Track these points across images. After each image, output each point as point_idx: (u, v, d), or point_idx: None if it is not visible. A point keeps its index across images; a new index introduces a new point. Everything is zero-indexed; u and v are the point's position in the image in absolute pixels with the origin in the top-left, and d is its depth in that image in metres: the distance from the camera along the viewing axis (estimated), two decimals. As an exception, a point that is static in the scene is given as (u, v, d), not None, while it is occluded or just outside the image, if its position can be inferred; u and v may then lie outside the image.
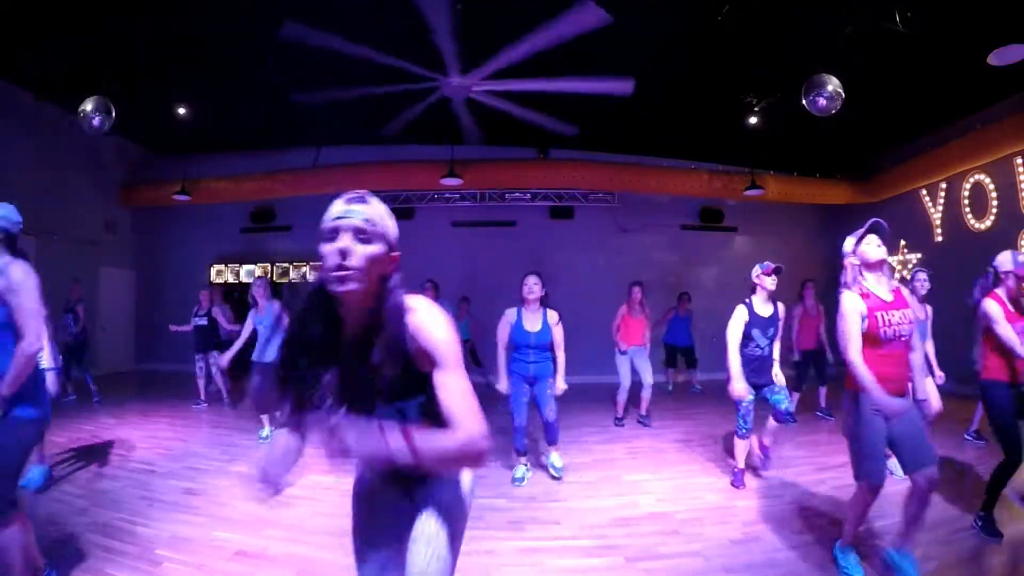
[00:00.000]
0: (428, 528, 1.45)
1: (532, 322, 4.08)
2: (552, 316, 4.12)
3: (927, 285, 4.52)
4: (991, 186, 7.61)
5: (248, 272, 10.42)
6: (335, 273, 1.27)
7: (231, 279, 10.40)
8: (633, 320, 6.28)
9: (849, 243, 2.68)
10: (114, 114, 5.95)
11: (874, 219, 2.57)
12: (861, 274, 2.61)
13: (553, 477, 4.27)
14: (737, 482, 4.06)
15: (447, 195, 9.99)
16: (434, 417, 1.34)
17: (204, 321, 7.07)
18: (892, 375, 2.52)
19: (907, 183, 8.76)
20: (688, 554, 2.94)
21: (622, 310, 6.34)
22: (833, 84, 5.15)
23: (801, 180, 9.56)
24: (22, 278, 2.19)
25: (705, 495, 3.91)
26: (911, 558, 2.57)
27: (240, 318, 6.13)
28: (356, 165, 9.22)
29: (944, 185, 8.41)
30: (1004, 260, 3.16)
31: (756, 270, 4.05)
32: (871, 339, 2.51)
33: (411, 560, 1.43)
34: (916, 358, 2.69)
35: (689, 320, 8.59)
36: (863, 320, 2.51)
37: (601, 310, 7.57)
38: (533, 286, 4.06)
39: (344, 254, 1.27)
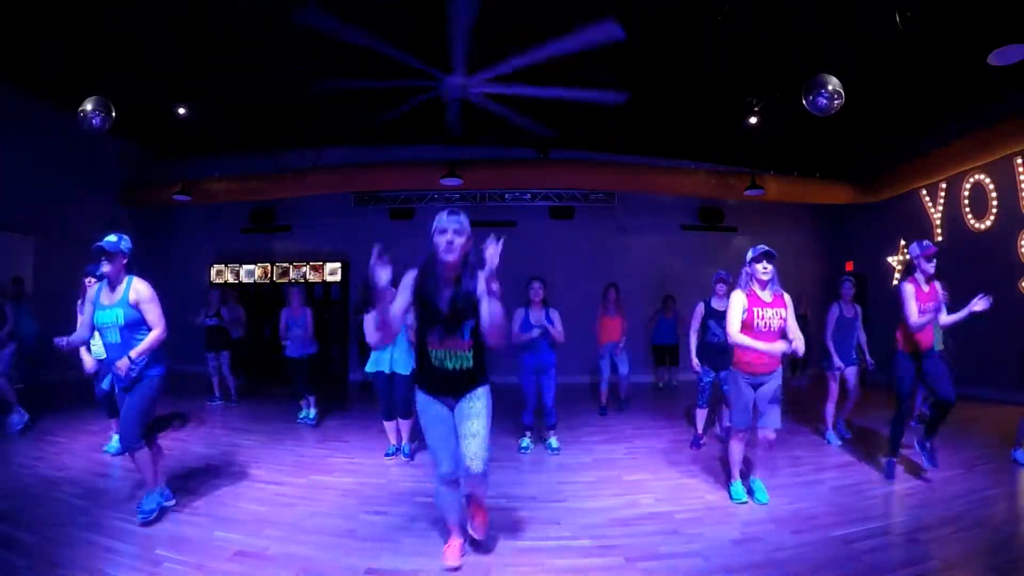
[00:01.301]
0: (472, 427, 2.58)
1: (537, 319, 4.97)
2: (553, 313, 5.03)
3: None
4: (991, 186, 7.61)
5: (248, 272, 10.42)
6: (445, 250, 2.51)
7: (231, 279, 10.40)
8: (609, 319, 6.83)
9: (749, 255, 3.71)
10: (114, 114, 5.95)
11: (766, 248, 3.62)
12: (752, 280, 3.67)
13: (552, 450, 5.06)
14: (694, 445, 5.18)
15: (447, 195, 9.99)
16: (478, 335, 2.57)
17: (215, 321, 7.15)
18: (761, 357, 3.55)
19: (907, 183, 8.76)
20: (688, 554, 2.93)
21: (599, 311, 6.93)
22: (833, 84, 5.15)
23: (801, 180, 9.56)
24: (146, 290, 3.31)
25: (705, 495, 3.91)
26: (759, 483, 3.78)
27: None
28: (356, 165, 9.22)
29: (944, 185, 8.41)
30: (912, 249, 4.06)
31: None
32: (747, 326, 3.55)
33: (467, 448, 2.56)
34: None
35: (675, 322, 8.88)
36: (744, 311, 3.57)
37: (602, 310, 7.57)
38: (538, 289, 4.96)
39: (451, 241, 2.51)
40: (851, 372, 5.33)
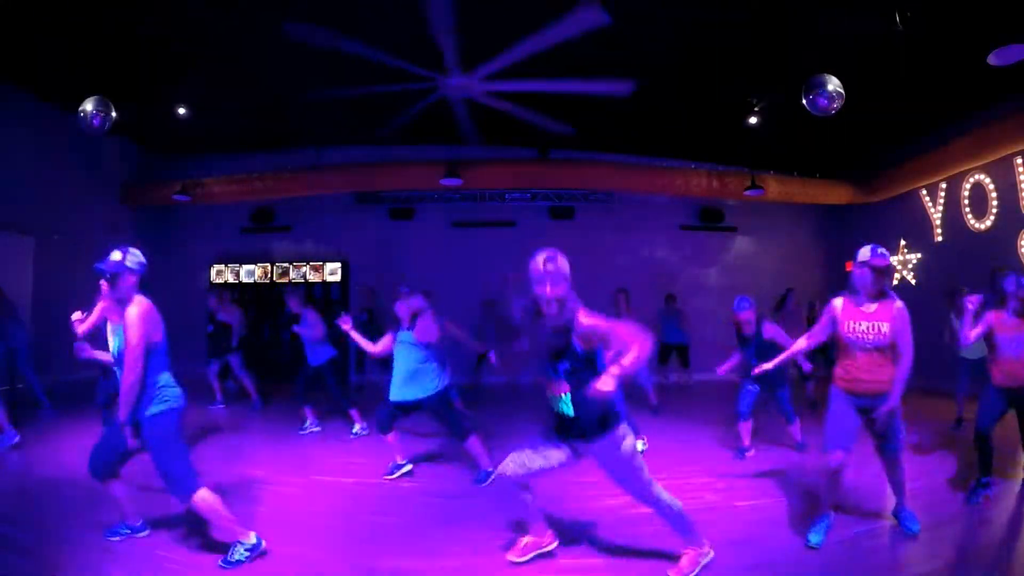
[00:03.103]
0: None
1: None
2: None
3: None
4: (991, 186, 7.60)
5: (248, 272, 10.41)
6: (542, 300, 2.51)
7: (231, 279, 10.39)
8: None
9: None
10: (114, 114, 5.95)
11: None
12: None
13: None
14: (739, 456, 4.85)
15: (447, 195, 9.99)
16: (575, 376, 2.52)
17: (211, 327, 7.10)
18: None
19: (907, 183, 8.75)
20: (688, 554, 2.93)
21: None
22: (833, 84, 5.14)
23: (801, 180, 9.55)
24: (130, 313, 2.76)
25: (705, 495, 3.91)
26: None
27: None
28: (356, 165, 9.22)
29: (944, 185, 8.41)
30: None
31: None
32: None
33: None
34: None
35: (678, 318, 8.75)
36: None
37: (602, 310, 7.57)
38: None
39: (543, 292, 2.49)
40: None
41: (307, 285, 10.19)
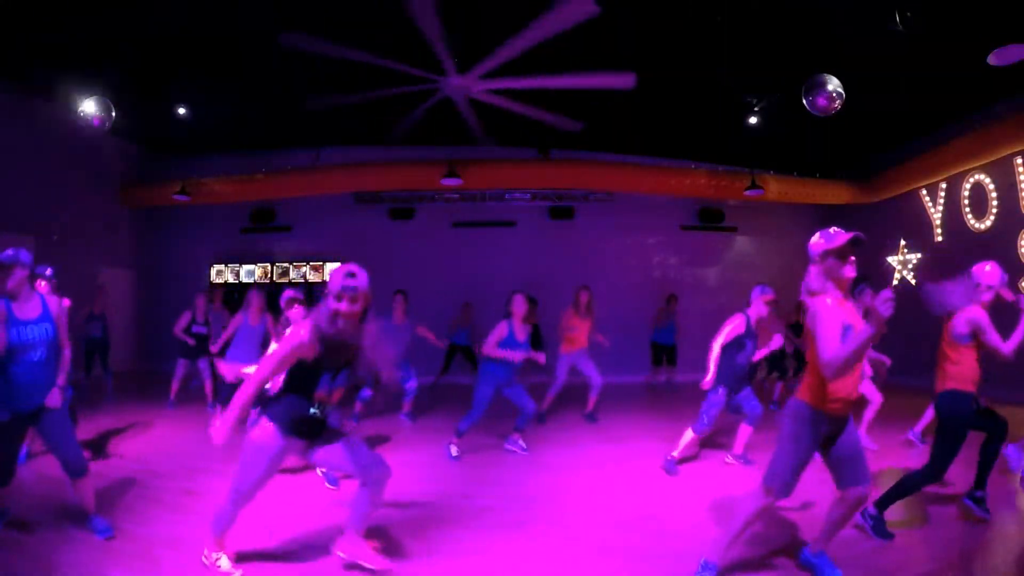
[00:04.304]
0: None
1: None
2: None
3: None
4: (991, 186, 7.60)
5: (248, 272, 10.42)
6: None
7: (231, 279, 10.39)
8: (579, 322, 6.42)
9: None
10: (114, 114, 5.95)
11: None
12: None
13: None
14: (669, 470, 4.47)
15: (447, 195, 9.99)
16: None
17: (203, 329, 6.94)
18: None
19: (907, 183, 8.75)
20: (688, 554, 2.93)
21: (568, 312, 6.49)
22: (833, 84, 5.14)
23: (801, 180, 9.55)
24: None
25: (705, 495, 3.91)
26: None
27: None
28: (356, 165, 9.22)
29: (944, 185, 8.41)
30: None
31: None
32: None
33: None
34: None
35: (674, 320, 8.88)
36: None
37: (601, 310, 7.56)
38: (521, 303, 4.79)
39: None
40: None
41: (307, 285, 10.20)
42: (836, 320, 2.32)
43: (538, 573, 2.78)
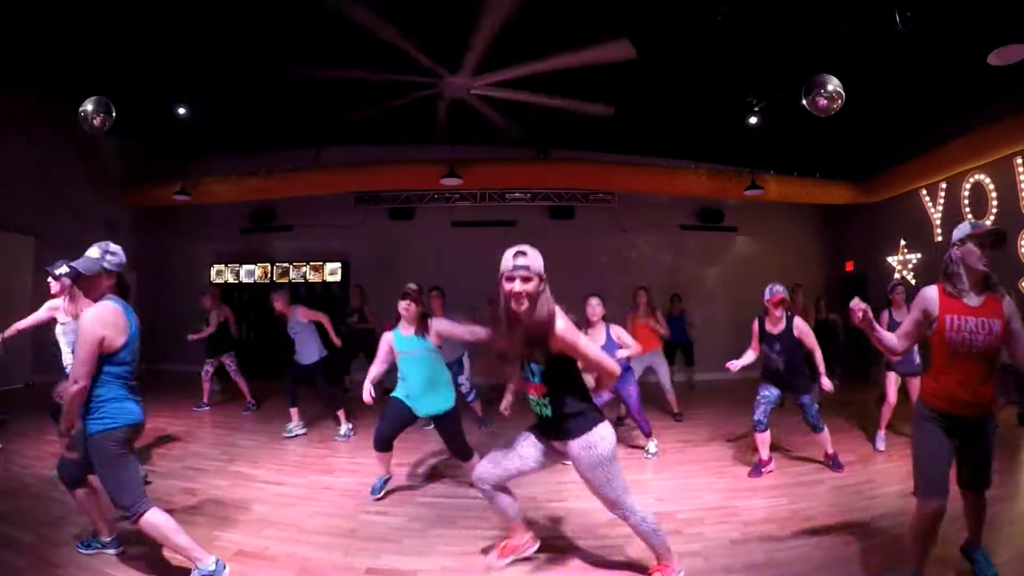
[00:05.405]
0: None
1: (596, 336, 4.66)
2: (615, 330, 4.73)
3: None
4: (991, 186, 7.60)
5: (248, 272, 10.41)
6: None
7: (231, 279, 10.39)
8: (641, 324, 6.39)
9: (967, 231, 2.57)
10: (114, 114, 5.95)
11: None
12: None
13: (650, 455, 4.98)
14: (755, 473, 4.37)
15: (447, 195, 9.99)
16: (550, 377, 2.43)
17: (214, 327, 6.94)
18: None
19: (907, 183, 8.75)
20: (688, 554, 2.93)
21: (629, 317, 6.47)
22: (833, 84, 5.15)
23: (801, 180, 9.55)
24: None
25: (705, 495, 3.91)
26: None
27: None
28: (356, 165, 9.21)
29: (944, 185, 8.41)
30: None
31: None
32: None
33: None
34: None
35: (683, 319, 8.76)
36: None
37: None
38: (596, 307, 4.71)
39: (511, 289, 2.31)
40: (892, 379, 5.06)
41: (307, 285, 10.20)
42: (915, 311, 2.51)
43: (538, 572, 2.78)
